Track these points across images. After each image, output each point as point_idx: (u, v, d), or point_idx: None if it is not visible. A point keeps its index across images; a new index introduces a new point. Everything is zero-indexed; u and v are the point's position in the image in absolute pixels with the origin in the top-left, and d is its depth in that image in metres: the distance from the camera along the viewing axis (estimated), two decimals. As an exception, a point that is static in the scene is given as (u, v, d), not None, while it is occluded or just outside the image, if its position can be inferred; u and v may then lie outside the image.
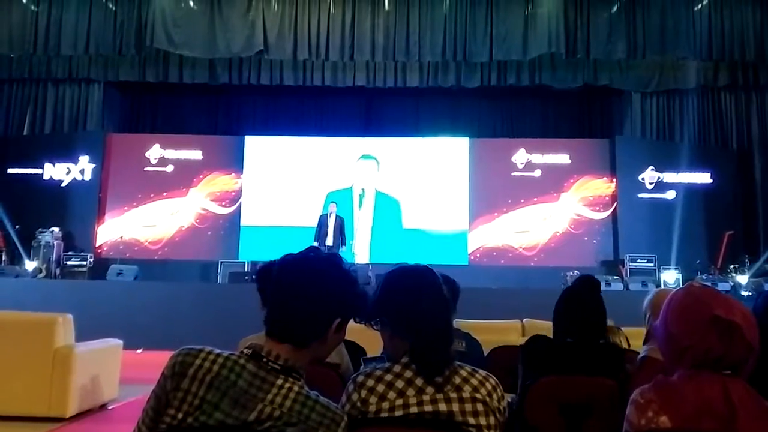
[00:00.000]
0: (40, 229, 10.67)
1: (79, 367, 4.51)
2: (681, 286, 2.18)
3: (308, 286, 1.40)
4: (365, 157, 12.05)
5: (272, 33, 10.82)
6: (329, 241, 10.01)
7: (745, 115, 11.81)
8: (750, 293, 9.33)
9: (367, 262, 11.05)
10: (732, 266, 10.53)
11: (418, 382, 1.48)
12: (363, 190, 11.90)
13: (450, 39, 10.80)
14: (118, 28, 10.91)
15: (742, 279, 10.10)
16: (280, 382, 1.34)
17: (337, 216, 10.24)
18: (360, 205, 11.83)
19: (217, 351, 1.37)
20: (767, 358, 1.51)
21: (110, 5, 11.09)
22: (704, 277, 10.06)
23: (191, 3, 10.92)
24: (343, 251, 10.34)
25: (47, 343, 4.46)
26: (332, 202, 10.50)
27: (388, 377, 1.49)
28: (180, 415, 1.30)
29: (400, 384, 1.48)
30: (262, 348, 1.38)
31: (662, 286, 9.52)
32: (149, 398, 1.37)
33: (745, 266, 10.39)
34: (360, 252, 11.55)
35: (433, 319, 1.53)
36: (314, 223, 10.39)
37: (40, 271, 10.34)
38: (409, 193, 11.85)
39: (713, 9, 10.80)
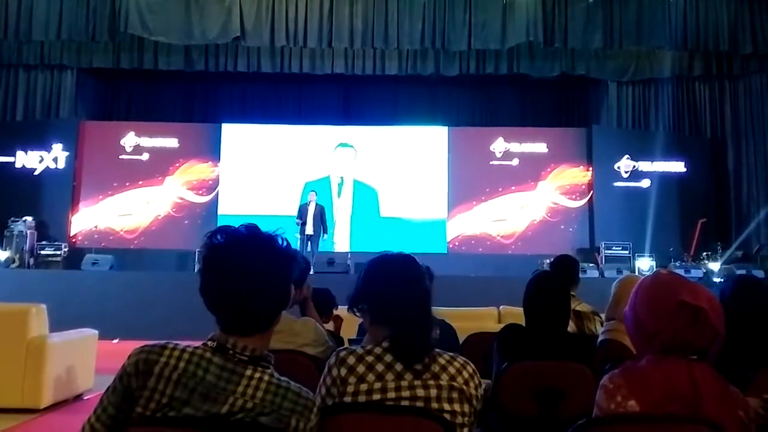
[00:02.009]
0: (12, 218, 10.48)
1: (53, 358, 4.47)
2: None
3: (261, 279, 1.34)
4: (343, 145, 12.00)
5: (249, 19, 10.67)
6: (309, 230, 9.97)
7: (719, 105, 12.00)
8: (722, 280, 9.43)
9: (347, 250, 11.05)
10: (705, 253, 10.73)
11: (398, 367, 1.50)
12: (342, 178, 11.86)
13: (429, 27, 10.77)
14: (90, 13, 10.63)
15: (715, 266, 10.29)
16: (249, 372, 1.32)
17: (317, 204, 10.22)
18: (339, 194, 11.80)
19: (181, 346, 1.33)
20: (732, 343, 1.55)
21: (82, -11, 10.83)
22: (677, 264, 10.21)
23: (166, -12, 10.72)
24: (324, 240, 10.34)
25: (20, 334, 4.40)
26: (312, 190, 10.47)
27: (369, 358, 1.50)
28: (148, 413, 1.28)
29: (380, 367, 1.49)
30: (226, 339, 1.34)
31: (636, 273, 9.65)
32: (106, 394, 1.32)
33: (718, 253, 10.59)
34: (340, 241, 11.54)
35: (413, 309, 1.54)
36: (292, 212, 10.35)
37: (13, 261, 10.17)
38: (387, 181, 11.84)
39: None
